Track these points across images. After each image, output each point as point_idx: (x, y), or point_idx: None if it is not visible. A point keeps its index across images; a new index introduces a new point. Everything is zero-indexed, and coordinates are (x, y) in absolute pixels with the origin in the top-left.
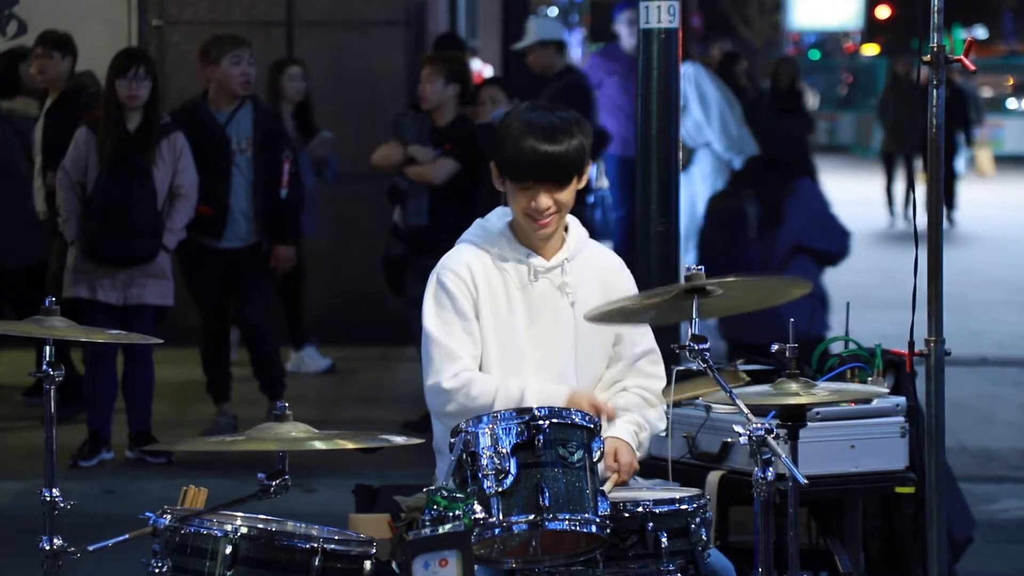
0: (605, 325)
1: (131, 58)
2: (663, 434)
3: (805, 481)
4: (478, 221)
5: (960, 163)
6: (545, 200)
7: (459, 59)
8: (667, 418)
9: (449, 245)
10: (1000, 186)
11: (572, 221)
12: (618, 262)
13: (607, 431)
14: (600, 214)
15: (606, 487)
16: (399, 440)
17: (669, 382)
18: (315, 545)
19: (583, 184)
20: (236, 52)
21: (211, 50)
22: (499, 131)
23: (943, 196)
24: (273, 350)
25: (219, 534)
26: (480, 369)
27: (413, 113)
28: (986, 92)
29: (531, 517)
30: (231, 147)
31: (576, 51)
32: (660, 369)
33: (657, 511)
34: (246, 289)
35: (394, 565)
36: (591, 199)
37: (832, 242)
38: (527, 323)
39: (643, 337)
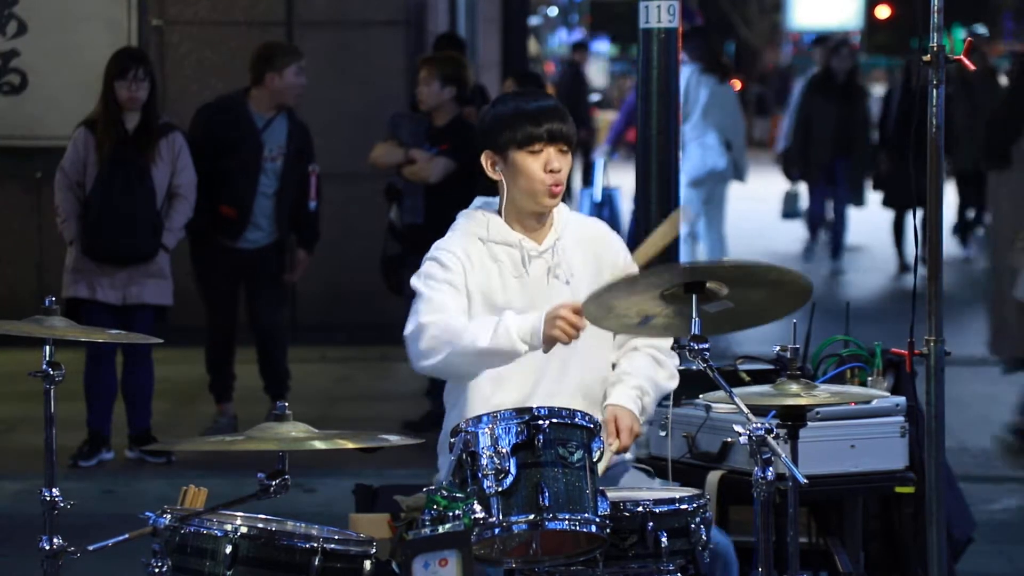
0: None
1: (130, 59)
2: (663, 430)
3: (805, 481)
4: (462, 213)
5: None
6: (557, 160)
7: (455, 60)
8: (678, 375)
9: None
10: None
11: None
12: (604, 228)
13: (606, 399)
14: (608, 212)
15: (604, 457)
16: (399, 440)
17: None
18: (315, 545)
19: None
20: (299, 63)
21: (276, 59)
22: (490, 114)
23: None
24: (283, 351)
25: (219, 534)
26: None
27: (410, 113)
28: None
29: (531, 517)
30: (263, 153)
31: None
32: None
33: (657, 511)
34: (261, 289)
35: (394, 565)
36: (599, 198)
37: None
38: (522, 309)
39: None
